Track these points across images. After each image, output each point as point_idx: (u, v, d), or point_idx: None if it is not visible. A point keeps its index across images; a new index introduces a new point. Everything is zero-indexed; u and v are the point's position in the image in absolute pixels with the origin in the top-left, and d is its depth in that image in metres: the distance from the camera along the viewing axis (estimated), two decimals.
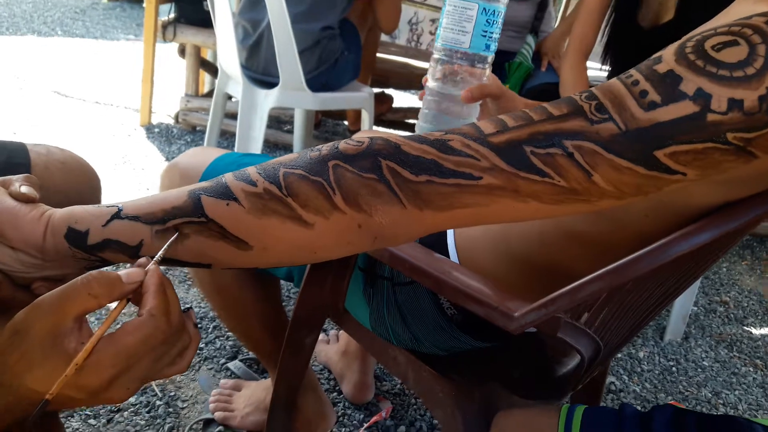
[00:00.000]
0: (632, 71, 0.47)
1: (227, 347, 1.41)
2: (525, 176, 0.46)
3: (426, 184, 0.46)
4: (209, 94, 2.70)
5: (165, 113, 2.66)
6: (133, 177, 2.14)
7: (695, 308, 1.92)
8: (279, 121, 2.72)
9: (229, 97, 2.09)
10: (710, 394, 1.54)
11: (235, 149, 1.88)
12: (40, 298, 0.42)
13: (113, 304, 0.45)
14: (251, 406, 1.20)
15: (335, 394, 1.32)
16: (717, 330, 1.84)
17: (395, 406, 1.31)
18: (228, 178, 0.50)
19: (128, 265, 0.49)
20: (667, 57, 0.46)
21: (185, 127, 2.55)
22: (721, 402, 1.51)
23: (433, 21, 2.96)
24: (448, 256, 0.81)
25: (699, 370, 1.63)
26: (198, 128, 2.54)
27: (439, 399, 0.88)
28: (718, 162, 0.45)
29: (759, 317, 1.97)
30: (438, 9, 2.94)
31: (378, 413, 1.27)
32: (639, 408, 1.43)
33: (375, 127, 2.65)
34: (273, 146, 2.50)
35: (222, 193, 0.48)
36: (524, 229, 0.72)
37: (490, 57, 0.81)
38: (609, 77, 1.76)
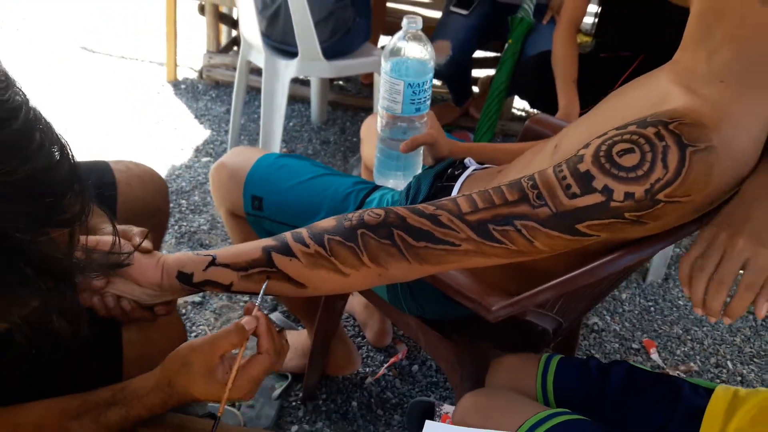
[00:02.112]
0: (563, 165, 0.67)
1: (269, 300, 1.67)
2: (489, 244, 0.67)
3: (424, 249, 0.68)
4: (228, 47, 2.83)
5: (188, 67, 2.81)
6: (168, 136, 2.34)
7: (678, 250, 2.13)
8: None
9: None
10: (681, 331, 1.78)
11: (261, 113, 2.06)
12: (198, 343, 0.67)
13: None
14: (292, 352, 1.47)
15: (359, 339, 1.59)
16: None
17: (410, 349, 1.57)
18: (288, 238, 0.71)
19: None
20: (587, 158, 0.66)
21: (209, 82, 2.71)
22: (689, 338, 1.76)
23: None
24: None
25: (674, 309, 1.87)
26: (221, 83, 2.70)
27: (443, 354, 1.13)
28: (620, 229, 0.67)
29: None
30: None
31: (395, 355, 1.54)
32: (617, 345, 1.69)
33: None
34: (292, 99, 2.66)
35: (286, 251, 0.70)
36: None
37: (423, 115, 1.04)
38: (596, 45, 1.90)
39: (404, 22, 1.05)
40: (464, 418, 0.89)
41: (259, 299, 0.72)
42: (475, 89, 2.70)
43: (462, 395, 0.94)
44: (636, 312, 1.83)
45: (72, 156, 0.47)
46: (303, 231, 0.72)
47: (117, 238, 0.64)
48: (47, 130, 0.45)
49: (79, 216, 0.47)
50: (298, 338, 1.47)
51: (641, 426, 0.85)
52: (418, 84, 1.05)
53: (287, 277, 0.71)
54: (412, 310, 1.11)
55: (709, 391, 0.86)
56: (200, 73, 2.73)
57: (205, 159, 2.24)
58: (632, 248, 0.76)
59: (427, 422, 0.76)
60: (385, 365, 1.51)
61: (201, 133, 2.39)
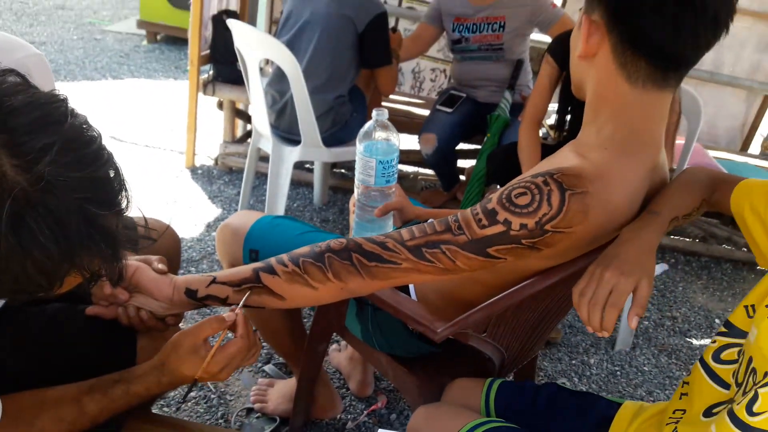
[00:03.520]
0: (477, 207, 0.89)
1: (263, 354, 1.84)
2: (423, 263, 0.89)
3: (374, 267, 0.90)
4: (243, 138, 3.17)
5: (205, 155, 3.12)
6: (183, 214, 2.60)
7: (646, 322, 2.30)
8: (301, 163, 3.16)
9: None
10: (644, 393, 1.92)
11: (267, 192, 2.32)
12: (185, 330, 0.87)
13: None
14: (281, 398, 1.63)
15: (344, 390, 1.75)
16: (662, 341, 2.21)
17: (389, 399, 1.72)
18: (272, 261, 0.93)
19: (220, 308, 0.94)
20: (493, 200, 0.88)
21: (223, 168, 3.01)
22: (652, 399, 1.90)
23: (433, 70, 3.39)
24: (409, 294, 1.23)
25: (639, 374, 2.01)
26: (234, 169, 3.00)
27: (409, 387, 1.30)
28: (521, 253, 0.88)
29: (702, 330, 2.34)
30: (437, 60, 3.37)
31: (375, 404, 1.69)
32: None
33: None
34: (297, 184, 2.95)
35: (270, 270, 0.92)
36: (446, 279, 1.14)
37: (392, 186, 1.29)
38: (560, 137, 2.17)
39: (374, 113, 1.31)
40: (415, 425, 1.06)
41: (240, 303, 0.92)
42: (463, 177, 2.97)
43: None
44: (603, 375, 1.97)
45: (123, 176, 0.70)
46: (284, 256, 0.93)
47: (145, 224, 0.80)
48: (111, 156, 0.68)
49: (125, 209, 0.69)
50: (287, 386, 1.64)
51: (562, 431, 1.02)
52: (387, 161, 1.29)
53: (270, 291, 0.92)
54: (382, 347, 1.29)
55: (620, 405, 1.03)
56: (216, 160, 3.04)
57: (214, 234, 2.48)
58: (540, 277, 0.97)
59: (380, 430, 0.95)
60: (366, 411, 1.66)
61: (213, 212, 2.65)
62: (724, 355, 0.85)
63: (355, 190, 1.33)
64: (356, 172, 1.31)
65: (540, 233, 0.86)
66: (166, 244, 1.30)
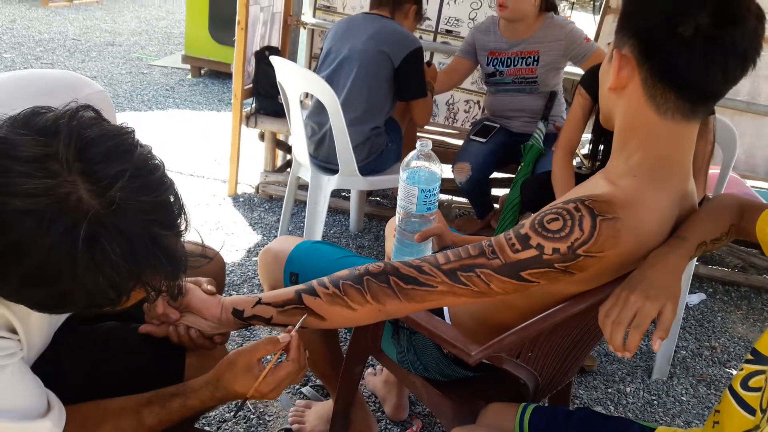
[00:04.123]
0: (510, 233, 0.93)
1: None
2: (458, 287, 0.93)
3: (411, 290, 0.95)
4: (282, 168, 3.27)
5: (247, 184, 3.24)
6: (226, 240, 2.69)
7: (684, 352, 2.27)
8: (338, 191, 3.25)
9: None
10: (682, 423, 1.90)
11: (306, 219, 2.40)
12: (241, 349, 0.93)
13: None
14: (318, 419, 1.67)
15: (379, 413, 1.78)
16: (701, 371, 2.18)
17: (424, 424, 1.75)
18: (314, 283, 0.99)
19: (269, 329, 1.00)
20: (526, 225, 0.92)
21: (264, 196, 3.12)
22: None
23: (467, 101, 3.46)
24: (443, 317, 1.27)
25: (677, 404, 1.99)
26: (274, 197, 3.10)
27: (443, 411, 1.33)
28: (554, 277, 0.91)
29: (742, 360, 2.29)
30: (470, 92, 3.45)
31: (411, 427, 1.72)
32: None
33: None
34: (334, 211, 3.02)
35: (312, 292, 0.98)
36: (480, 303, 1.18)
37: (433, 213, 1.33)
38: (589, 160, 2.19)
39: (418, 144, 1.37)
40: None
41: (297, 326, 0.98)
42: (496, 206, 3.01)
43: None
44: (639, 404, 1.96)
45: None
46: (325, 279, 0.99)
47: (202, 245, 0.88)
48: (172, 183, 0.75)
49: (184, 231, 0.76)
50: (324, 407, 1.68)
51: None
52: (429, 189, 1.34)
53: (312, 311, 0.98)
54: (417, 370, 1.33)
55: (653, 430, 1.04)
56: (257, 188, 3.15)
57: (254, 259, 2.56)
58: (572, 301, 1.00)
59: None
60: None
61: (253, 238, 2.74)
62: (752, 383, 0.86)
63: (396, 216, 1.38)
64: (398, 199, 1.36)
65: (572, 257, 0.89)
66: (213, 268, 1.38)
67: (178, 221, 0.74)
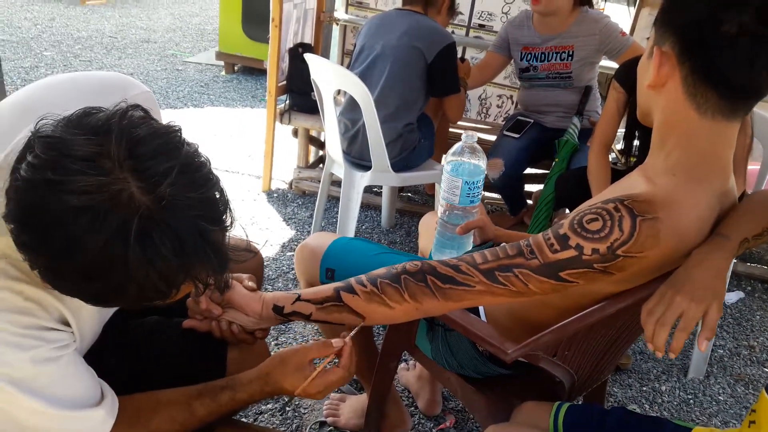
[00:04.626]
0: (549, 232, 0.93)
1: None
2: (496, 286, 0.94)
3: (449, 290, 0.96)
4: (315, 164, 3.31)
5: (281, 179, 3.28)
6: (260, 234, 2.74)
7: (721, 351, 2.23)
8: (370, 186, 3.27)
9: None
10: (719, 423, 1.87)
11: (339, 214, 2.43)
12: (295, 348, 0.97)
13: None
14: (353, 413, 1.70)
15: (412, 408, 1.80)
16: (739, 371, 2.15)
17: (457, 419, 1.76)
18: (352, 281, 1.01)
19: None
20: (565, 225, 0.92)
21: (297, 192, 3.15)
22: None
23: (500, 96, 3.44)
24: (478, 315, 1.28)
25: (714, 403, 1.96)
26: (307, 193, 3.14)
27: (478, 407, 1.34)
28: (593, 277, 0.91)
29: None
30: (503, 87, 3.42)
31: (443, 423, 1.73)
32: None
33: None
34: (366, 207, 3.05)
35: (350, 290, 1.00)
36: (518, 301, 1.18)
37: (476, 206, 1.32)
38: (624, 155, 2.16)
39: (464, 136, 1.37)
40: None
41: (352, 333, 1.00)
42: (530, 201, 2.99)
43: None
44: (675, 403, 1.94)
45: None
46: (363, 276, 1.01)
47: (247, 239, 0.90)
48: (218, 179, 0.77)
49: (230, 226, 0.78)
50: (358, 401, 1.71)
51: None
52: (473, 182, 1.34)
53: (350, 309, 0.99)
54: (452, 367, 1.34)
55: (689, 430, 1.04)
56: (290, 184, 3.19)
57: (289, 254, 2.60)
58: (610, 300, 1.00)
59: None
60: (435, 430, 1.70)
61: (287, 233, 2.78)
62: None
63: (439, 209, 1.39)
64: (441, 191, 1.37)
65: (612, 258, 0.89)
66: (252, 264, 1.40)
67: (224, 217, 0.76)
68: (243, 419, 1.72)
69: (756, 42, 0.85)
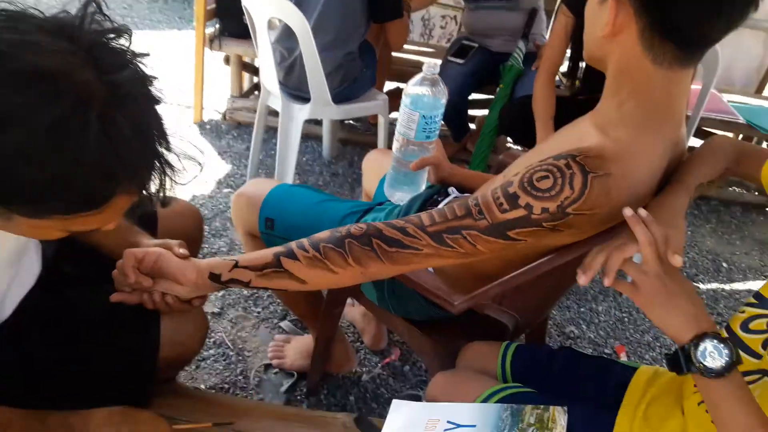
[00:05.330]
0: (498, 190, 0.90)
1: (278, 311, 1.89)
2: (444, 249, 0.90)
3: (395, 253, 0.91)
4: (250, 91, 3.14)
5: (213, 109, 3.11)
6: (193, 170, 2.61)
7: None
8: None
9: None
10: (651, 339, 1.97)
11: (277, 150, 2.33)
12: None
13: None
14: (298, 354, 1.69)
15: (358, 343, 1.81)
16: None
17: (402, 352, 1.79)
18: (293, 246, 0.95)
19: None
20: (515, 183, 0.88)
21: (232, 123, 3.00)
22: (659, 344, 1.95)
23: (443, 17, 3.30)
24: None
25: (646, 320, 2.06)
26: (242, 123, 2.99)
27: (425, 349, 1.34)
28: (543, 235, 0.89)
29: (709, 274, 2.37)
30: (446, 6, 3.28)
31: (389, 356, 1.75)
32: (590, 350, 1.88)
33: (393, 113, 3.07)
34: (306, 137, 2.94)
35: (291, 256, 0.94)
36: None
37: (432, 142, 1.26)
38: (576, 89, 2.14)
39: (424, 66, 1.27)
40: (434, 392, 1.10)
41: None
42: (473, 126, 2.95)
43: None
44: (611, 322, 2.03)
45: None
46: (304, 240, 0.96)
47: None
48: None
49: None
50: (303, 342, 1.70)
51: (578, 396, 1.06)
52: (431, 116, 1.26)
53: (291, 275, 0.94)
54: (398, 311, 1.33)
55: (634, 369, 1.07)
56: (224, 115, 3.03)
57: (226, 190, 2.50)
58: (557, 253, 0.99)
59: (394, 401, 0.98)
60: (380, 364, 1.72)
61: (223, 168, 2.66)
62: (752, 326, 0.87)
63: (394, 143, 1.32)
64: (398, 125, 1.29)
65: (561, 216, 0.87)
66: (190, 223, 1.31)
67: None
68: (186, 368, 1.69)
69: None
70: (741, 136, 2.99)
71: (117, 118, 0.66)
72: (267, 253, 0.96)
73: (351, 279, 0.95)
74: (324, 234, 0.95)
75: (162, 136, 0.74)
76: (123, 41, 0.71)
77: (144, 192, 0.75)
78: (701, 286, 2.29)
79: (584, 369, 1.10)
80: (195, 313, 1.08)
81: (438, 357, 1.31)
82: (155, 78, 0.74)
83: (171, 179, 0.77)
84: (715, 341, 0.77)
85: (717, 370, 0.76)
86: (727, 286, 2.32)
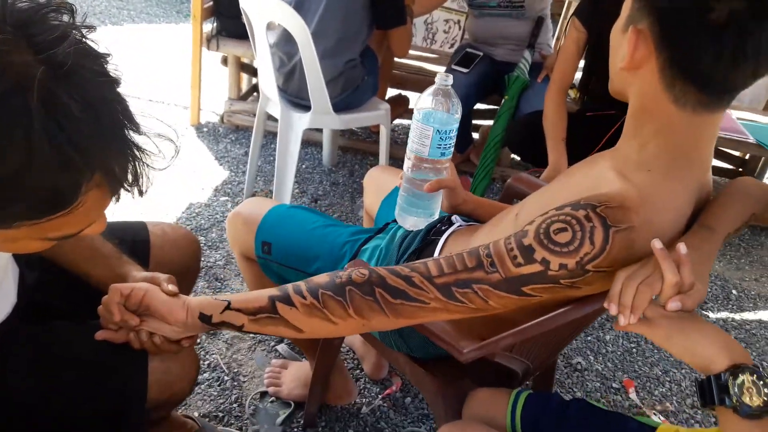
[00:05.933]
0: (512, 239, 0.82)
1: None
2: (452, 303, 0.83)
3: (399, 305, 0.84)
4: (249, 93, 3.05)
5: (211, 111, 3.01)
6: (191, 176, 2.52)
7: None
8: None
9: None
10: (660, 372, 1.90)
11: (276, 161, 2.24)
12: None
13: None
14: (295, 382, 1.61)
15: (358, 371, 1.73)
16: None
17: (404, 382, 1.71)
18: (290, 290, 0.87)
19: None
20: (530, 234, 0.81)
21: (229, 126, 2.91)
22: (668, 379, 1.88)
23: (447, 21, 3.22)
24: None
25: (655, 351, 1.99)
26: (240, 127, 2.90)
27: (427, 388, 1.27)
28: (559, 291, 0.82)
29: (718, 302, 2.30)
30: (450, 11, 3.20)
31: (390, 387, 1.68)
32: (598, 383, 1.81)
33: (395, 121, 2.98)
34: (305, 143, 2.85)
35: (287, 302, 0.86)
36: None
37: (446, 161, 1.17)
38: (583, 104, 2.06)
39: (438, 77, 1.18)
40: None
41: None
42: (476, 136, 2.87)
43: (441, 425, 1.08)
44: (618, 353, 1.95)
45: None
46: (302, 284, 0.88)
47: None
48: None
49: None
50: (301, 369, 1.62)
51: None
52: (445, 131, 1.18)
53: (287, 322, 0.87)
54: (400, 348, 1.26)
55: (653, 429, 0.99)
56: (221, 117, 2.94)
57: (223, 198, 2.42)
58: (577, 304, 0.91)
59: None
60: (380, 396, 1.65)
61: (220, 174, 2.58)
62: None
63: (405, 162, 1.23)
64: (409, 141, 1.19)
65: (580, 273, 0.80)
66: (185, 254, 1.22)
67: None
68: None
69: (741, 35, 0.74)
70: (748, 155, 2.93)
71: (62, 97, 0.59)
72: (262, 296, 0.88)
73: (352, 330, 0.88)
74: (323, 278, 0.87)
75: (126, 117, 0.67)
76: (65, 19, 0.64)
77: (117, 184, 0.68)
78: (711, 314, 2.22)
79: (597, 424, 1.03)
80: (186, 355, 1.00)
81: (442, 398, 1.23)
82: (109, 55, 0.67)
83: (145, 164, 0.70)
84: (755, 376, 0.69)
85: (753, 410, 0.68)
86: (737, 316, 2.25)
